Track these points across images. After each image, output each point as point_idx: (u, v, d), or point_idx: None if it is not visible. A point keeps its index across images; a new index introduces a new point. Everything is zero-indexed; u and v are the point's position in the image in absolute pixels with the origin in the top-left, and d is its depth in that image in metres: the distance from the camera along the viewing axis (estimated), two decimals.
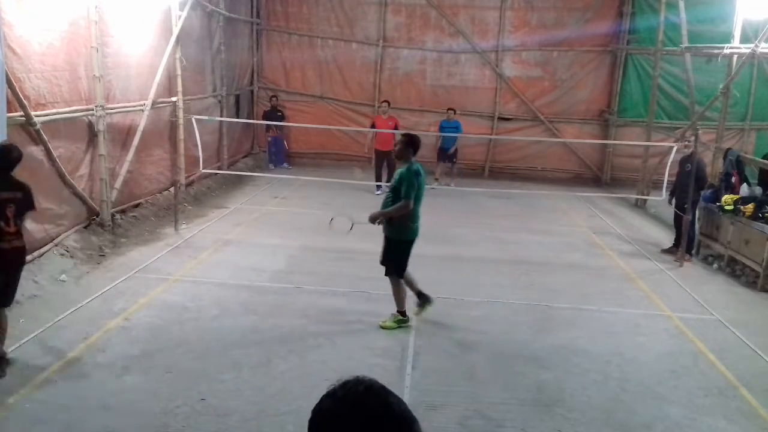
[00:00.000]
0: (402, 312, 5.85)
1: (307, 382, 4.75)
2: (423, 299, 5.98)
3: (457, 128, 12.72)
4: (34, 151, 6.52)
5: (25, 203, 4.70)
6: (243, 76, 14.07)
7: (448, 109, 13.07)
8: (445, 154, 12.68)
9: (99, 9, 7.46)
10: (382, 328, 5.78)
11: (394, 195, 5.61)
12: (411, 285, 5.95)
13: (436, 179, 12.42)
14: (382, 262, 5.86)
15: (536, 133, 14.50)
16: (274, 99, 14.06)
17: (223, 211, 9.97)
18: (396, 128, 11.91)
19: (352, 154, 14.86)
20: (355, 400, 1.23)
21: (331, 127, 14.03)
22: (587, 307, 6.66)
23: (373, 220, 5.72)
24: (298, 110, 14.60)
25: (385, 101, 12.89)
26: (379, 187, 11.56)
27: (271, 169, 13.64)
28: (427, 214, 10.50)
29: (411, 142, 5.70)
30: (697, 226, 8.83)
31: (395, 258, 5.77)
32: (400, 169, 5.68)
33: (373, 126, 12.35)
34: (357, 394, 1.24)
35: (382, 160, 12.05)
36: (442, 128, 12.75)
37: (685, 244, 8.31)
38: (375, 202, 11.04)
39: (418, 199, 5.63)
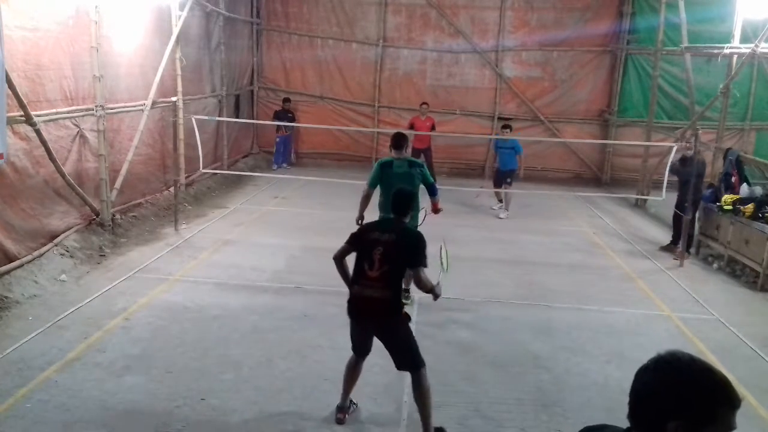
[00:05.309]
0: None
1: (307, 382, 4.76)
2: None
3: (514, 148, 10.73)
4: (34, 150, 6.52)
5: (398, 251, 3.97)
6: (243, 76, 14.07)
7: (502, 127, 11.20)
8: (500, 174, 11.02)
9: (98, 9, 7.44)
10: None
11: None
12: None
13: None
14: None
15: (536, 133, 14.50)
16: (287, 102, 14.06)
17: (223, 211, 9.98)
18: (433, 128, 12.53)
19: (352, 154, 14.86)
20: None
21: (337, 127, 14.04)
22: (587, 307, 6.66)
23: None
24: (298, 110, 14.60)
25: (425, 103, 12.90)
26: None
27: (274, 169, 13.66)
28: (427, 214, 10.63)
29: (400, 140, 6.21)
30: (697, 225, 8.84)
31: None
32: None
33: (412, 126, 12.48)
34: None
35: (418, 156, 12.38)
36: (497, 148, 11.24)
37: (684, 242, 8.31)
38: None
39: (384, 189, 6.11)
